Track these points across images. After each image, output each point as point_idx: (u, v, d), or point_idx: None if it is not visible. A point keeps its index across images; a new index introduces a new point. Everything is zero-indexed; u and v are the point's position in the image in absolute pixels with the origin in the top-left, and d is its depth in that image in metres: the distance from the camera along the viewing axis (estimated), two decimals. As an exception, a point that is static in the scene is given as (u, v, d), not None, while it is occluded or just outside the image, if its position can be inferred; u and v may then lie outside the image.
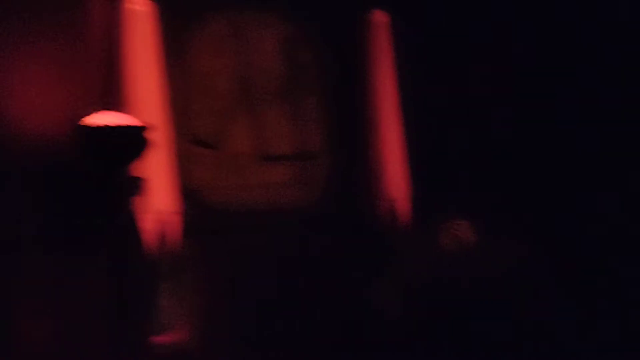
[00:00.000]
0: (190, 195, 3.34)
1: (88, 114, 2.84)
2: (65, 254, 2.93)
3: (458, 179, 3.89)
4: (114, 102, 3.04)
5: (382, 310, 3.52)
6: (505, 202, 3.84)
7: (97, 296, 2.92)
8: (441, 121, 3.94)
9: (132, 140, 2.92)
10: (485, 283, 3.39)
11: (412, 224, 3.74)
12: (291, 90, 3.69)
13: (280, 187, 3.63)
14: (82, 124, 2.81)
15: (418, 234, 3.73)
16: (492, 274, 3.43)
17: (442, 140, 3.96)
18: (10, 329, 2.80)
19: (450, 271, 3.53)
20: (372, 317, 3.51)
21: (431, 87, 3.86)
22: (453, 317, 3.36)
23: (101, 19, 3.17)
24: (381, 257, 3.63)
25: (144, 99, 3.16)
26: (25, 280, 2.86)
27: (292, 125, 3.67)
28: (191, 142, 3.46)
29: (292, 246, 3.58)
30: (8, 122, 2.85)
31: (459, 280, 3.40)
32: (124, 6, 3.15)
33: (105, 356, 2.83)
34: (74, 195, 2.88)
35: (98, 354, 2.88)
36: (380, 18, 3.78)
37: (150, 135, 2.95)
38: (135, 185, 2.96)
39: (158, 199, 3.14)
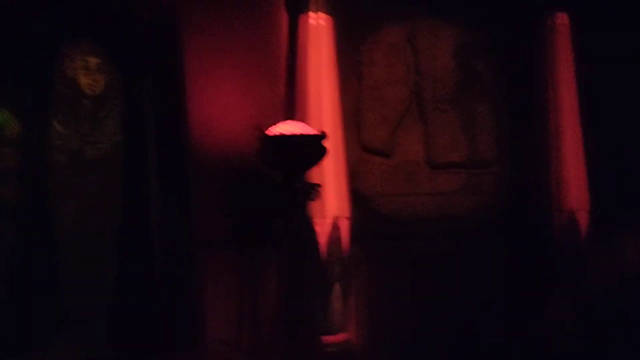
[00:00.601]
0: (362, 201, 3.44)
1: (271, 123, 3.06)
2: (249, 252, 3.15)
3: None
4: (294, 112, 3.22)
5: (556, 320, 3.40)
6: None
7: (274, 292, 3.11)
8: (624, 128, 3.67)
9: (310, 148, 3.08)
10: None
11: (592, 235, 3.53)
12: (464, 98, 3.65)
13: (450, 195, 3.60)
14: (266, 133, 3.03)
15: (598, 245, 3.52)
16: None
17: (625, 148, 3.69)
18: (202, 315, 3.06)
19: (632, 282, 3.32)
20: (546, 325, 3.40)
21: (614, 92, 3.61)
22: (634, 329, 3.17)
23: (284, 35, 3.39)
24: (556, 267, 3.49)
25: (321, 109, 3.31)
26: (218, 273, 3.12)
27: (463, 133, 3.62)
28: (363, 150, 3.56)
29: (461, 254, 3.54)
30: (202, 132, 3.13)
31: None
32: (305, 21, 3.33)
33: (279, 350, 3.00)
34: (258, 199, 3.09)
35: (273, 347, 3.06)
36: (560, 21, 3.61)
37: (326, 144, 3.10)
38: (311, 191, 3.12)
39: (331, 204, 3.28)
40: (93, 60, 2.77)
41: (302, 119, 3.23)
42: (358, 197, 3.44)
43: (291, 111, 3.28)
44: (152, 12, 2.90)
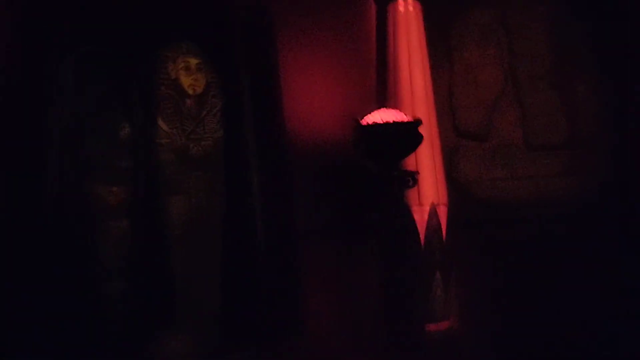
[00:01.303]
0: (459, 187, 3.40)
1: (365, 113, 3.07)
2: (348, 242, 3.18)
3: None
4: (387, 100, 3.22)
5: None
6: None
7: (374, 281, 3.12)
8: None
9: (405, 136, 3.06)
10: None
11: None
12: (561, 76, 3.52)
13: (550, 178, 3.49)
14: (361, 122, 3.04)
15: None
16: None
17: None
18: (304, 305, 3.11)
19: None
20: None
21: None
22: None
23: (372, 24, 3.39)
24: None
25: (414, 96, 3.29)
26: (318, 263, 3.17)
27: (563, 113, 3.50)
28: (458, 135, 3.52)
29: (563, 240, 3.42)
30: (298, 125, 3.18)
31: None
32: (394, 9, 3.32)
33: (380, 340, 3.01)
34: (355, 189, 3.11)
35: (374, 337, 3.07)
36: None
37: (421, 130, 3.07)
38: (408, 179, 3.10)
39: (428, 191, 3.25)
40: (193, 61, 2.87)
41: (396, 106, 3.22)
42: (455, 183, 3.41)
43: (384, 99, 3.28)
44: (246, 12, 2.97)
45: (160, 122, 2.82)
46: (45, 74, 2.53)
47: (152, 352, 2.66)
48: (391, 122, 3.00)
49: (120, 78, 2.71)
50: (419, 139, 3.06)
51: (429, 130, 3.24)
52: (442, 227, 3.26)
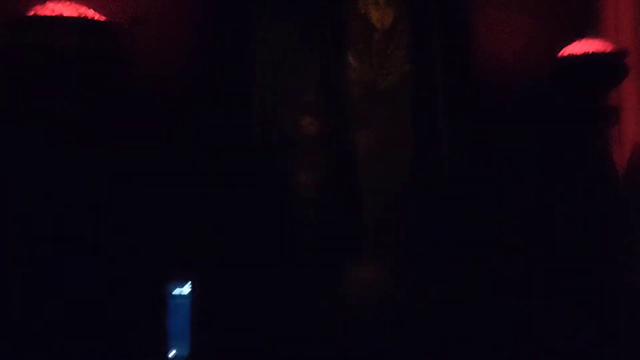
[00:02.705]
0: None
1: (563, 44, 2.85)
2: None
3: None
4: (589, 29, 2.95)
5: None
6: None
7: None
8: None
9: (608, 69, 2.81)
10: None
11: None
12: None
13: None
14: (558, 55, 2.84)
15: None
16: None
17: None
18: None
19: None
20: None
21: None
22: None
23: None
24: None
25: (620, 23, 2.99)
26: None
27: None
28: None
29: None
30: (486, 57, 3.03)
31: None
32: None
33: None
34: (549, 128, 2.93)
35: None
36: None
37: (626, 62, 2.80)
38: (610, 116, 2.87)
39: (631, 129, 2.98)
40: (382, -5, 2.87)
41: (598, 35, 2.95)
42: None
43: (585, 29, 3.00)
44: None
45: (350, 58, 2.87)
46: (249, 15, 2.69)
47: (343, 280, 2.81)
48: (591, 53, 2.78)
49: (314, 14, 2.79)
50: (623, 72, 2.79)
51: (637, 61, 2.93)
52: (644, 167, 2.98)
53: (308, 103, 2.82)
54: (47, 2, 2.21)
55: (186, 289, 2.62)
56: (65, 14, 2.19)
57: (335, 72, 2.82)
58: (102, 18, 2.29)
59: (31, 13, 2.20)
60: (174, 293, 2.61)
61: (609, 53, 2.77)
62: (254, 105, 2.67)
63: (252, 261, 2.69)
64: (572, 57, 2.80)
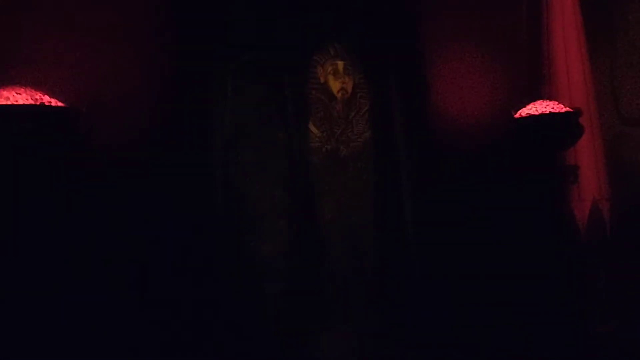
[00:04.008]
0: (624, 180, 3.14)
1: (518, 105, 2.92)
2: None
3: None
4: (541, 91, 3.04)
5: None
6: None
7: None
8: None
9: (564, 128, 2.88)
10: None
11: None
12: None
13: None
14: (514, 115, 2.90)
15: None
16: None
17: None
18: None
19: None
20: None
21: None
22: None
23: (523, 9, 3.19)
24: None
25: (571, 83, 3.08)
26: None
27: None
28: (622, 123, 3.24)
29: None
30: (444, 119, 3.08)
31: None
32: (545, -8, 3.11)
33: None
34: (509, 187, 2.97)
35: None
36: None
37: (580, 120, 2.87)
38: (568, 174, 2.93)
39: (589, 186, 3.05)
40: (341, 64, 2.89)
41: (551, 96, 3.03)
42: (619, 176, 3.15)
43: (538, 89, 3.09)
44: (390, 7, 2.92)
45: (311, 126, 2.89)
46: (209, 84, 2.69)
47: (311, 348, 2.77)
48: (547, 113, 2.85)
49: (275, 85, 2.80)
50: (579, 130, 2.87)
51: (589, 119, 3.02)
52: (605, 223, 3.05)
53: (270, 173, 2.81)
54: (0, 89, 2.18)
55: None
56: (20, 102, 2.16)
57: (297, 141, 2.83)
58: (59, 103, 2.27)
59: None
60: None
61: (564, 113, 2.85)
62: (215, 180, 2.65)
63: (217, 335, 2.65)
64: (529, 118, 2.86)
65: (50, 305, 2.31)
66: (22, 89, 2.18)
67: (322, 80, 2.90)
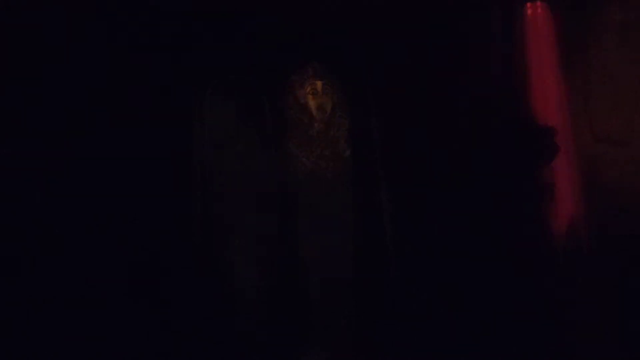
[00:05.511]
0: (599, 199, 3.18)
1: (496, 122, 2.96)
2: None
3: None
4: (517, 107, 3.08)
5: None
6: None
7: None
8: None
9: (542, 147, 2.93)
10: None
11: None
12: None
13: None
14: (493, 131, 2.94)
15: None
16: None
17: None
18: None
19: None
20: None
21: None
22: None
23: (498, 28, 3.24)
24: None
25: (547, 103, 3.13)
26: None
27: None
28: (597, 142, 3.29)
29: None
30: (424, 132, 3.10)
31: None
32: (522, 13, 3.16)
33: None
34: (487, 200, 3.00)
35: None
36: None
37: (555, 139, 2.92)
38: (543, 193, 2.97)
39: (565, 205, 3.08)
40: (319, 84, 2.92)
41: (526, 115, 3.07)
42: (594, 194, 3.19)
43: (516, 107, 3.13)
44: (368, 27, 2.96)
45: (291, 146, 2.90)
46: (187, 106, 2.70)
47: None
48: (524, 131, 2.90)
49: (253, 105, 2.81)
50: (554, 149, 2.91)
51: (564, 138, 3.07)
52: (581, 242, 3.08)
53: (251, 194, 2.81)
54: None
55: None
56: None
57: (277, 161, 2.84)
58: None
59: None
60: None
61: (540, 131, 2.90)
62: (195, 201, 2.65)
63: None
64: (506, 136, 2.91)
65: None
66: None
67: (301, 100, 2.92)
